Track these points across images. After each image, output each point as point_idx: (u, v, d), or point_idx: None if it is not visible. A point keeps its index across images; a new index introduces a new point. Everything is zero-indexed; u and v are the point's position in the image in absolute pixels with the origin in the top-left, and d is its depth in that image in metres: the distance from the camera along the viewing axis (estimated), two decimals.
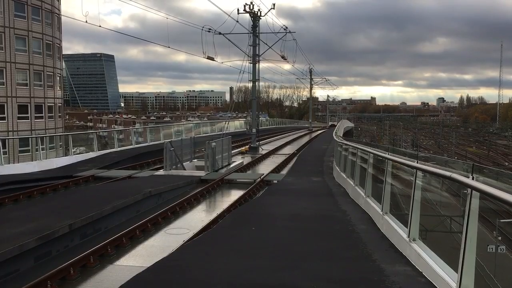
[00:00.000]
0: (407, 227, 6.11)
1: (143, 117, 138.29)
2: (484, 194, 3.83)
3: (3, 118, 37.69)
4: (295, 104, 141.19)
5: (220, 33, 25.21)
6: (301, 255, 6.37)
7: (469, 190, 4.16)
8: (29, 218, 8.44)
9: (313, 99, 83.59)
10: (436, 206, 7.95)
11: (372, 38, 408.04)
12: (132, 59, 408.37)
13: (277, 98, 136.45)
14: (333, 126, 61.46)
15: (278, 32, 28.34)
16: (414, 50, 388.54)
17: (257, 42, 27.00)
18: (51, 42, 42.44)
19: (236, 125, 43.39)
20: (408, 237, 6.00)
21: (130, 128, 39.69)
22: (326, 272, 5.63)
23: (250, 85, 28.75)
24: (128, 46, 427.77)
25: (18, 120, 38.65)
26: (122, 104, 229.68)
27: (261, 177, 15.77)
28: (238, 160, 20.73)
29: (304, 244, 6.98)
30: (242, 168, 19.04)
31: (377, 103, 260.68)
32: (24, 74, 39.65)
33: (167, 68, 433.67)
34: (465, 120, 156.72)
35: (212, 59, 25.43)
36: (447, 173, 4.75)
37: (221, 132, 28.43)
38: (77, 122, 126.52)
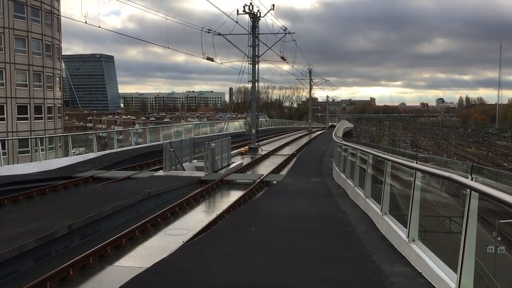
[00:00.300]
0: (406, 228, 6.11)
1: (143, 118, 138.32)
2: (483, 195, 3.83)
3: (3, 119, 37.65)
4: (295, 105, 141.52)
5: (219, 34, 25.24)
6: (300, 255, 6.38)
7: (468, 190, 4.17)
8: (29, 219, 8.44)
9: (312, 100, 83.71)
10: (435, 207, 7.97)
11: (370, 39, 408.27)
12: (131, 59, 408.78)
13: (276, 98, 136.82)
14: (333, 126, 61.47)
15: (277, 33, 28.39)
16: (413, 50, 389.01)
17: (256, 43, 27.03)
18: (50, 43, 42.44)
19: (236, 125, 43.41)
20: (408, 237, 6.00)
21: (130, 128, 39.72)
22: (326, 273, 5.64)
23: (249, 85, 28.79)
24: (127, 46, 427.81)
25: (17, 121, 38.62)
26: (122, 105, 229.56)
27: (261, 177, 15.78)
28: (237, 161, 20.74)
29: (304, 244, 6.99)
30: (241, 169, 19.05)
31: (376, 104, 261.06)
32: (23, 75, 39.63)
33: (166, 68, 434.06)
34: (465, 120, 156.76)
35: (211, 59, 25.45)
36: (447, 174, 4.75)
37: (220, 133, 28.44)
38: (77, 123, 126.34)
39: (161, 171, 16.91)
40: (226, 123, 34.26)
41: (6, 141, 21.14)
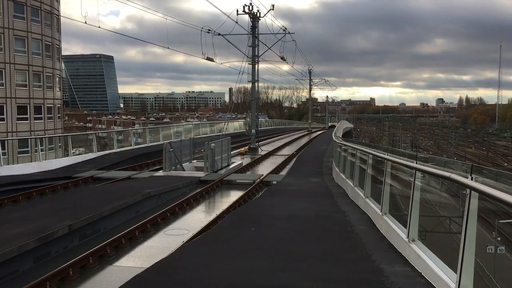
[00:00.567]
0: (406, 228, 6.11)
1: (143, 118, 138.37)
2: (483, 195, 3.83)
3: (3, 119, 37.63)
4: (295, 105, 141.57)
5: (219, 34, 25.25)
6: (300, 255, 6.38)
7: (468, 190, 4.17)
8: (29, 219, 8.44)
9: (312, 100, 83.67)
10: (435, 207, 7.97)
11: (370, 39, 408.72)
12: (130, 60, 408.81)
13: (276, 99, 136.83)
14: (333, 126, 61.44)
15: (277, 33, 28.40)
16: (412, 51, 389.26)
17: (256, 43, 27.02)
18: (50, 43, 42.43)
19: (236, 126, 43.39)
20: (408, 237, 6.00)
21: (130, 129, 39.67)
22: (326, 273, 5.64)
23: (249, 86, 28.78)
24: (126, 47, 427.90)
25: (17, 121, 38.61)
26: (122, 105, 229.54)
27: (261, 178, 15.77)
28: (237, 161, 20.74)
29: (304, 244, 6.99)
30: (241, 169, 19.05)
31: (376, 104, 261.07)
32: (23, 75, 39.62)
33: (165, 69, 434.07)
34: (464, 120, 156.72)
35: (211, 60, 25.46)
36: (446, 174, 4.75)
37: (220, 133, 28.44)
38: (77, 123, 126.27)
39: (161, 171, 16.91)
40: (226, 123, 34.28)
41: (6, 141, 21.15)
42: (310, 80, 65.90)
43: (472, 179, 4.18)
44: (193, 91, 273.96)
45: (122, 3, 18.77)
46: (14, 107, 38.61)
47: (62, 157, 20.45)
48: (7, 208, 10.98)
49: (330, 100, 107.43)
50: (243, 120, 48.65)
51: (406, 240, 6.03)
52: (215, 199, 13.25)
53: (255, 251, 6.65)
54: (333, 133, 29.82)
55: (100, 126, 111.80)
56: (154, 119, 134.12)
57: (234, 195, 13.23)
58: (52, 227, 7.78)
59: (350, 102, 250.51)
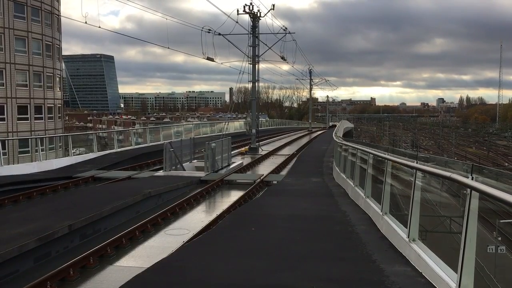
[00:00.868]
0: (406, 228, 6.11)
1: (143, 118, 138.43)
2: (483, 194, 3.83)
3: (3, 119, 37.64)
4: (295, 105, 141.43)
5: (220, 34, 25.25)
6: (301, 255, 6.37)
7: (468, 190, 4.16)
8: (29, 219, 8.44)
9: (312, 100, 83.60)
10: (435, 207, 7.96)
11: (369, 39, 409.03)
12: (130, 60, 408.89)
13: (276, 99, 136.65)
14: (334, 126, 61.41)
15: (277, 33, 28.39)
16: (411, 51, 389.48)
17: (256, 43, 27.02)
18: (50, 43, 42.44)
19: (236, 126, 43.39)
20: (408, 237, 6.00)
21: (130, 129, 39.69)
22: (326, 273, 5.63)
23: (249, 85, 28.78)
24: (126, 47, 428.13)
25: (17, 121, 38.62)
26: (122, 105, 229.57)
27: (261, 177, 15.77)
28: (238, 161, 20.74)
29: (304, 244, 6.98)
30: (242, 169, 19.04)
31: (376, 104, 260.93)
32: (23, 75, 39.63)
33: (165, 69, 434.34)
34: (465, 120, 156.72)
35: (212, 60, 25.46)
36: (447, 174, 4.75)
37: (220, 133, 28.43)
38: (77, 123, 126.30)
39: (161, 171, 16.91)
40: (226, 123, 34.23)
41: (6, 141, 21.15)
42: (311, 80, 65.90)
43: (472, 179, 4.17)
44: (194, 91, 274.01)
45: (122, 3, 18.78)
46: (15, 107, 38.63)
47: (63, 157, 20.45)
48: (8, 208, 10.98)
49: (330, 100, 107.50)
50: (244, 120, 48.64)
51: (407, 240, 6.02)
52: (216, 199, 13.25)
53: (256, 251, 6.65)
54: (333, 133, 29.83)
55: (100, 126, 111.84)
56: (154, 119, 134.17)
57: (235, 195, 13.23)
58: (53, 227, 7.78)
59: (350, 102, 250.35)
